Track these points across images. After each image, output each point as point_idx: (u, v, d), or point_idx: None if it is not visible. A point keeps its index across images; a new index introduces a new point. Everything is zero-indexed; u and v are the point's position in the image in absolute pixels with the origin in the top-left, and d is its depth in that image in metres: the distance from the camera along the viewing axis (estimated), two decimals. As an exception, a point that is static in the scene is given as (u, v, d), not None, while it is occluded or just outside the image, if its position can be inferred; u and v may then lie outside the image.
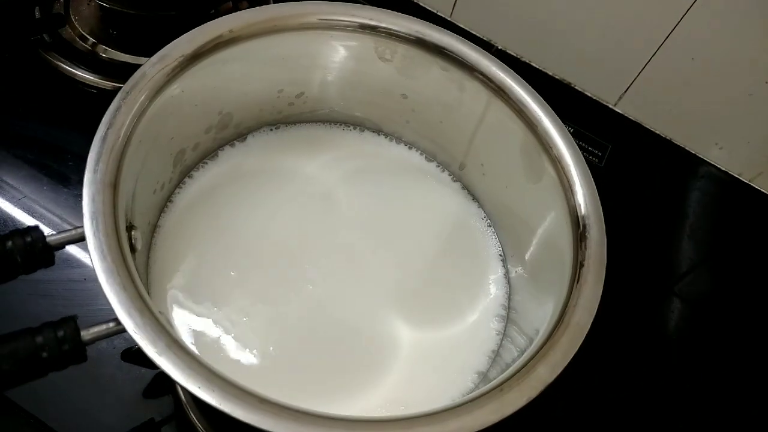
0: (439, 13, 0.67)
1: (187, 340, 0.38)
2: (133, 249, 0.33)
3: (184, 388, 0.40)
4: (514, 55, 0.65)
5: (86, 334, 0.28)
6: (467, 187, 0.49)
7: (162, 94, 0.36)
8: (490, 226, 0.47)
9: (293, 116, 0.48)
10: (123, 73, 0.52)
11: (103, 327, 0.28)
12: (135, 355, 0.38)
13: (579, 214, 0.37)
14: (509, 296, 0.44)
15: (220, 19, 0.39)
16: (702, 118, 0.61)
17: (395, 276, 0.43)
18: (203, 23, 0.39)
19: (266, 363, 0.38)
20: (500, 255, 0.46)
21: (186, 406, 0.40)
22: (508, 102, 0.41)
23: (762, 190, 0.62)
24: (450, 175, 0.49)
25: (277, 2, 0.42)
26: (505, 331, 0.42)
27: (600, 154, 0.60)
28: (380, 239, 0.45)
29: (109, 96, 0.34)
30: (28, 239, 0.29)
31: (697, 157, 0.63)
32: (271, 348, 0.39)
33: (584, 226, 0.36)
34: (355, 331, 0.41)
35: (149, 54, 0.37)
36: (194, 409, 0.40)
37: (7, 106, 0.52)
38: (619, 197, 0.57)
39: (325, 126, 0.49)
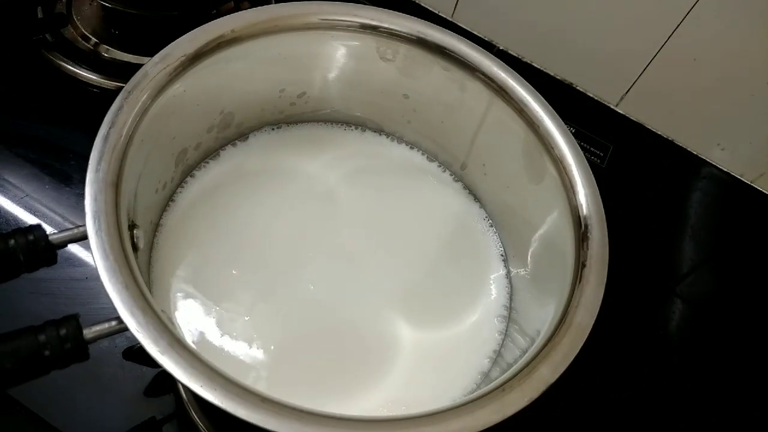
0: (440, 14, 0.67)
1: (189, 338, 0.38)
2: (135, 248, 0.33)
3: (185, 387, 0.40)
4: (516, 55, 0.65)
5: (88, 332, 0.28)
6: (468, 187, 0.49)
7: (164, 93, 0.36)
8: (491, 226, 0.47)
9: (295, 116, 0.48)
10: (125, 72, 0.52)
11: (105, 326, 0.28)
12: (136, 354, 0.39)
13: (581, 214, 0.37)
14: (510, 296, 0.44)
15: (222, 18, 0.39)
16: (704, 118, 0.61)
17: (396, 276, 0.43)
18: (205, 23, 0.39)
19: (267, 362, 0.38)
20: (501, 255, 0.46)
21: (187, 404, 0.40)
22: (509, 102, 0.41)
23: (763, 191, 0.62)
24: (451, 175, 0.49)
25: (279, 2, 0.42)
26: (506, 331, 0.42)
27: (602, 154, 0.60)
28: (381, 239, 0.45)
29: (111, 95, 0.34)
30: (31, 237, 0.29)
31: (699, 157, 0.63)
32: (272, 347, 0.39)
33: (586, 227, 0.36)
34: (356, 330, 0.41)
35: (151, 54, 0.37)
36: (195, 408, 0.40)
37: (10, 106, 0.52)
38: (621, 198, 0.57)
39: (326, 126, 0.49)
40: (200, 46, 0.37)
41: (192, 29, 0.38)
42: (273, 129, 0.48)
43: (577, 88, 0.65)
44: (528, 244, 0.43)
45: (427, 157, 0.49)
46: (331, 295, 0.41)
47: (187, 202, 0.43)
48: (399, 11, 0.43)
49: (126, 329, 0.28)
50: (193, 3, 0.55)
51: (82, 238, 0.30)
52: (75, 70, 0.53)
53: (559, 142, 0.39)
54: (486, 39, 0.66)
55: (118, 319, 0.28)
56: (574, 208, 0.37)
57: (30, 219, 0.45)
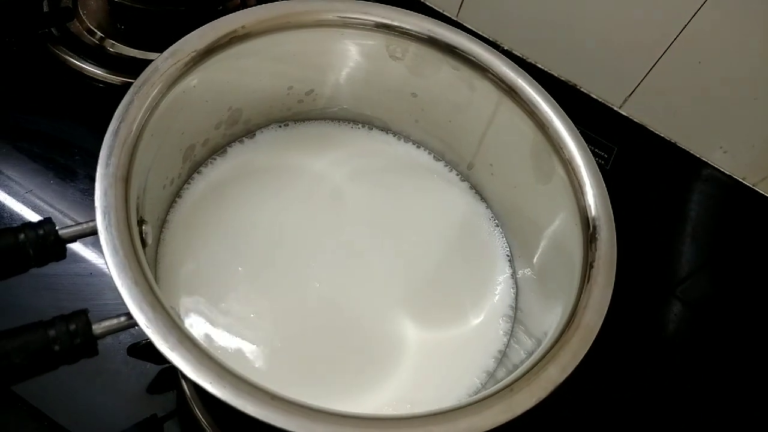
0: (445, 13, 0.66)
1: (195, 335, 0.38)
2: (143, 243, 0.33)
3: (189, 384, 0.40)
4: (520, 56, 0.65)
5: (98, 327, 0.28)
6: (475, 186, 0.48)
7: (174, 88, 0.36)
8: (497, 226, 0.47)
9: (302, 113, 0.48)
10: (130, 67, 0.53)
11: (115, 321, 0.28)
12: (141, 351, 0.38)
13: (589, 215, 0.37)
14: (516, 297, 0.44)
15: (232, 15, 0.39)
16: (707, 121, 0.61)
17: (402, 275, 0.43)
18: (211, 19, 0.38)
19: (272, 359, 0.38)
20: (508, 255, 0.46)
21: (190, 401, 0.40)
22: (518, 102, 0.41)
23: (765, 194, 0.62)
24: (458, 174, 0.49)
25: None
26: (512, 331, 0.42)
27: (606, 156, 0.60)
28: (387, 238, 0.45)
29: (116, 90, 0.34)
30: (41, 232, 0.29)
31: (701, 160, 0.63)
32: (278, 344, 0.38)
33: (595, 228, 0.36)
34: (362, 328, 0.41)
35: (157, 49, 0.36)
36: (198, 405, 0.40)
37: (15, 100, 0.51)
38: (624, 200, 0.57)
39: (333, 124, 0.49)
40: (211, 41, 0.37)
41: (198, 25, 0.38)
42: (280, 126, 0.48)
43: (582, 89, 0.65)
44: (534, 244, 0.43)
45: (434, 157, 0.49)
46: (337, 294, 0.41)
47: (194, 199, 0.43)
48: (404, 10, 0.43)
49: (135, 325, 0.28)
50: (200, -1, 0.55)
51: (91, 233, 0.30)
52: (80, 64, 0.52)
53: (569, 143, 0.39)
54: (490, 39, 0.66)
55: (128, 314, 0.28)
56: (582, 209, 0.37)
57: (34, 215, 0.45)
